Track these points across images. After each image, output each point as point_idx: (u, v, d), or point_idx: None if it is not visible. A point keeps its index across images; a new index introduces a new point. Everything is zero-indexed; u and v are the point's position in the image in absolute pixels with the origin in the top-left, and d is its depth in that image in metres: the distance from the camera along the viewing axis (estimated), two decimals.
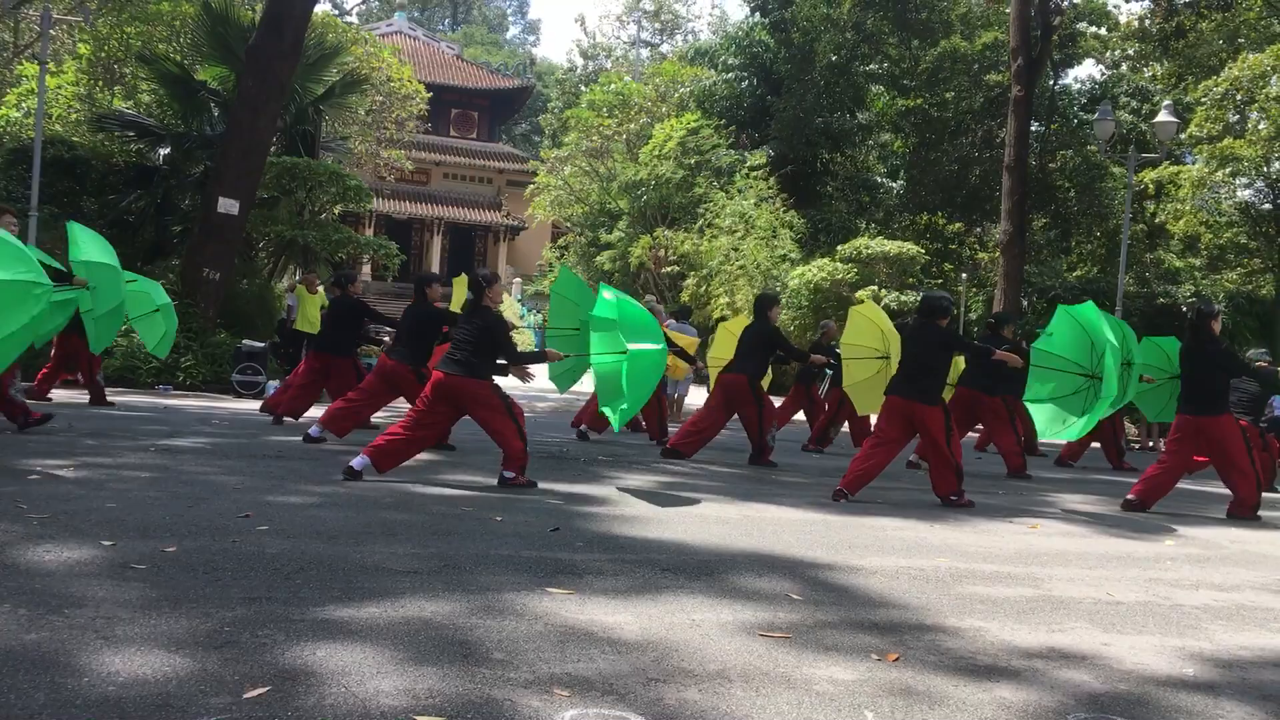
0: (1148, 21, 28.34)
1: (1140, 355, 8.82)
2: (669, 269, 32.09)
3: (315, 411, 10.27)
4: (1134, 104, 32.38)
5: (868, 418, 12.11)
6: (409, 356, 8.94)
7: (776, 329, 10.13)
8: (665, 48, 63.05)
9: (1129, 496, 8.51)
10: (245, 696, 2.76)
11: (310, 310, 18.31)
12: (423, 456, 8.77)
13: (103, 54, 23.42)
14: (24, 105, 22.72)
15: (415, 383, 8.77)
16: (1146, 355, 11.12)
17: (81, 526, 4.78)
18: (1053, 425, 8.37)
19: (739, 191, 30.98)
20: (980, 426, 12.60)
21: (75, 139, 20.88)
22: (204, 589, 3.82)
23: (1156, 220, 31.30)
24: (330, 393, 10.64)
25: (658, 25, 66.32)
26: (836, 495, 7.66)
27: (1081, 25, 32.34)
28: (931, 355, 7.94)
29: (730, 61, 37.15)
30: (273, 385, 15.04)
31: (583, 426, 11.63)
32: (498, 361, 7.47)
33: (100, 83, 23.87)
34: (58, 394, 11.70)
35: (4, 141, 21.49)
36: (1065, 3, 29.18)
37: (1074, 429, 8.22)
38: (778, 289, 26.90)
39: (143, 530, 4.80)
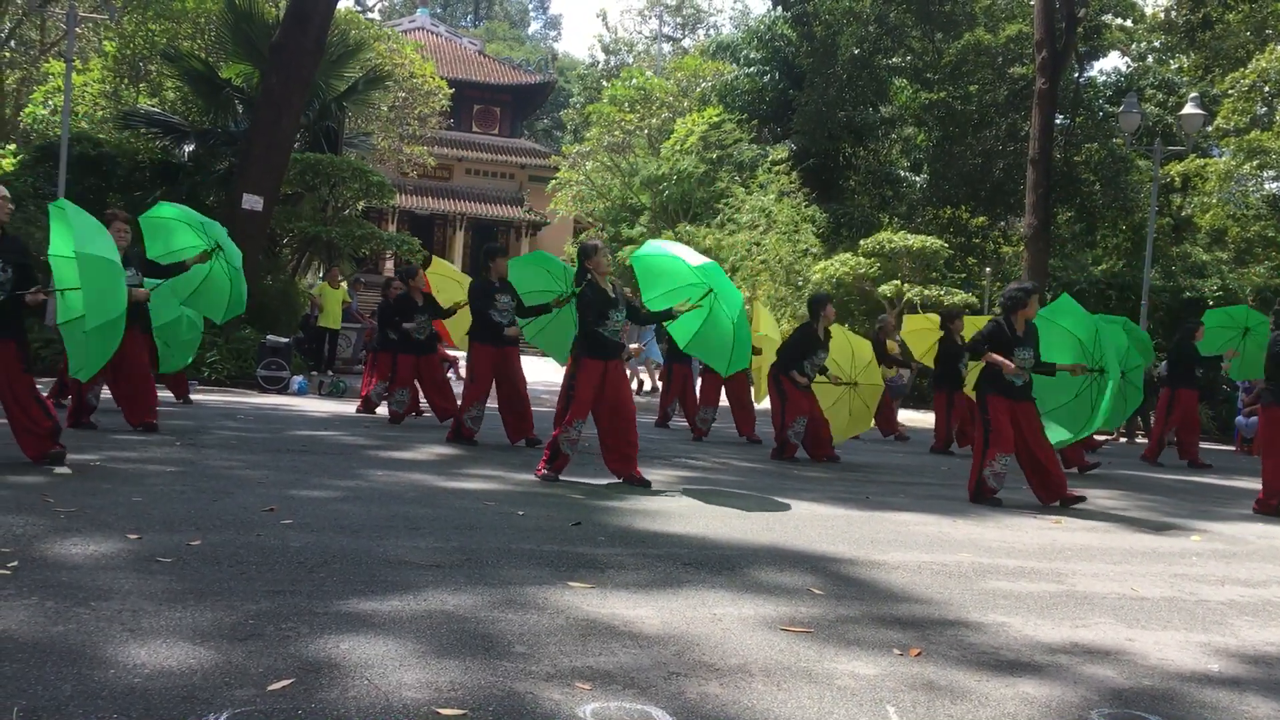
0: (1174, 13, 28.08)
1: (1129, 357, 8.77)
2: None
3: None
4: (1160, 96, 32.09)
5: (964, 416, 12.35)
6: (478, 334, 9.47)
7: (805, 328, 10.22)
8: (687, 42, 62.89)
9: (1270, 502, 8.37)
10: (269, 689, 2.78)
11: (332, 305, 18.42)
12: (445, 451, 8.82)
13: (128, 51, 23.59)
14: (51, 102, 22.95)
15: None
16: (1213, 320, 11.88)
17: (107, 520, 4.83)
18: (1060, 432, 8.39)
19: (760, 186, 30.88)
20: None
21: (101, 136, 21.06)
22: (228, 582, 3.85)
23: (1183, 213, 31.03)
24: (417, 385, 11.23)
25: (679, 20, 66.19)
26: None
27: (1106, 17, 32.07)
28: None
29: (752, 55, 37.03)
30: (297, 380, 15.14)
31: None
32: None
33: (125, 80, 24.05)
34: None
35: (31, 138, 21.73)
36: None
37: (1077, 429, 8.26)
38: (800, 284, 26.82)
39: (168, 524, 4.83)
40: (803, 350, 10.03)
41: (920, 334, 13.67)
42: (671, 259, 8.10)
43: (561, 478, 7.40)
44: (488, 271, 9.24)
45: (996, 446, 7.71)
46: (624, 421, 7.43)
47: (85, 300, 6.40)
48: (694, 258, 7.83)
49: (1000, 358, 7.74)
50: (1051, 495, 7.81)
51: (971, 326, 13.25)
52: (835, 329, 11.06)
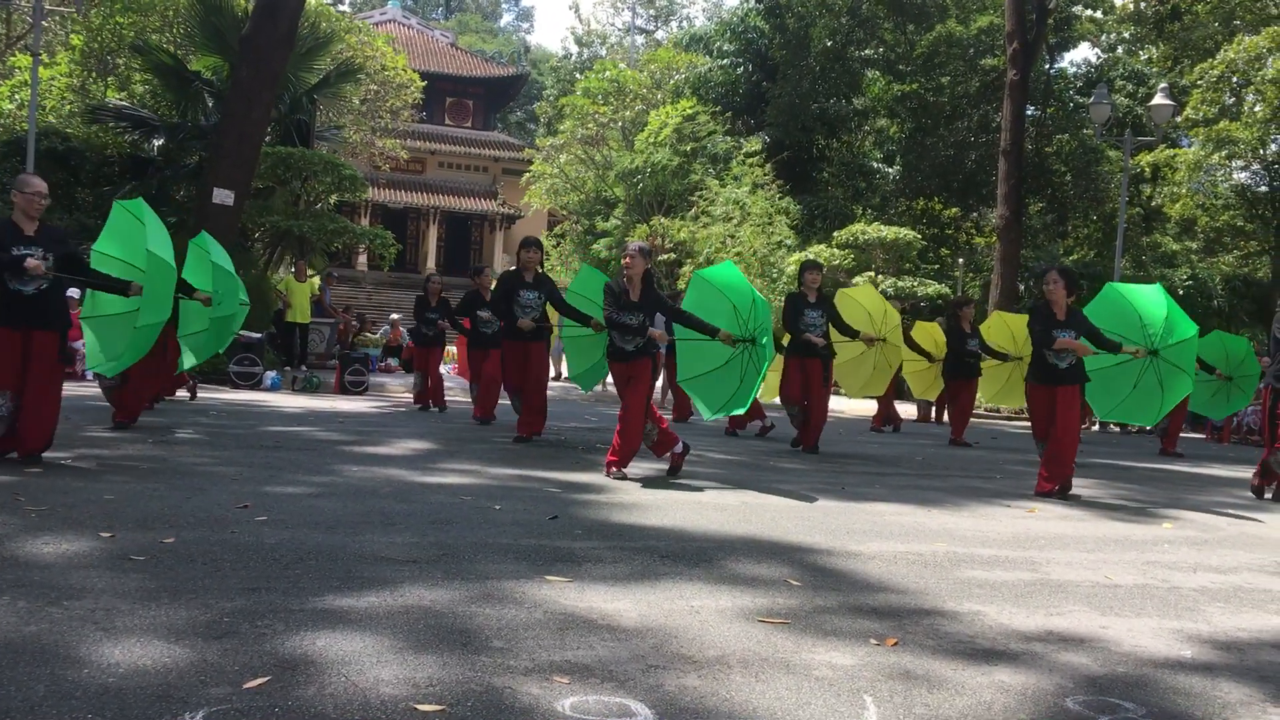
0: (1143, 4, 28.30)
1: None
2: (665, 257, 32.02)
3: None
4: (1130, 87, 32.32)
5: (967, 401, 12.58)
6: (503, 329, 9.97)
7: (791, 295, 10.34)
8: (660, 34, 62.83)
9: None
10: (245, 687, 2.76)
11: (300, 300, 18.30)
12: (419, 445, 8.79)
13: (95, 45, 23.31)
14: (17, 97, 22.65)
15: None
16: (1208, 352, 12.04)
17: (79, 518, 4.78)
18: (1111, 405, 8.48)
19: (734, 179, 30.89)
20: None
21: (69, 130, 20.81)
22: (203, 580, 3.82)
23: (1153, 203, 31.29)
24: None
25: (652, 11, 66.13)
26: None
27: (1077, 8, 32.24)
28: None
29: (725, 47, 37.02)
30: (270, 376, 15.05)
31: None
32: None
33: (93, 74, 23.77)
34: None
35: None
36: None
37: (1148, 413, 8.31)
38: (775, 276, 26.87)
39: (141, 521, 4.79)
40: (794, 314, 10.06)
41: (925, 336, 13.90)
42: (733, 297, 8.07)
43: (536, 473, 7.40)
44: (518, 263, 9.61)
45: (1035, 436, 8.03)
46: (626, 419, 7.46)
47: (145, 297, 7.11)
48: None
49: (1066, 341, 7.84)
50: (1046, 484, 7.85)
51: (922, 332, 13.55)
52: (868, 288, 11.47)
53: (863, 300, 11.74)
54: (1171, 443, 13.11)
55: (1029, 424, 8.56)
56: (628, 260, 7.56)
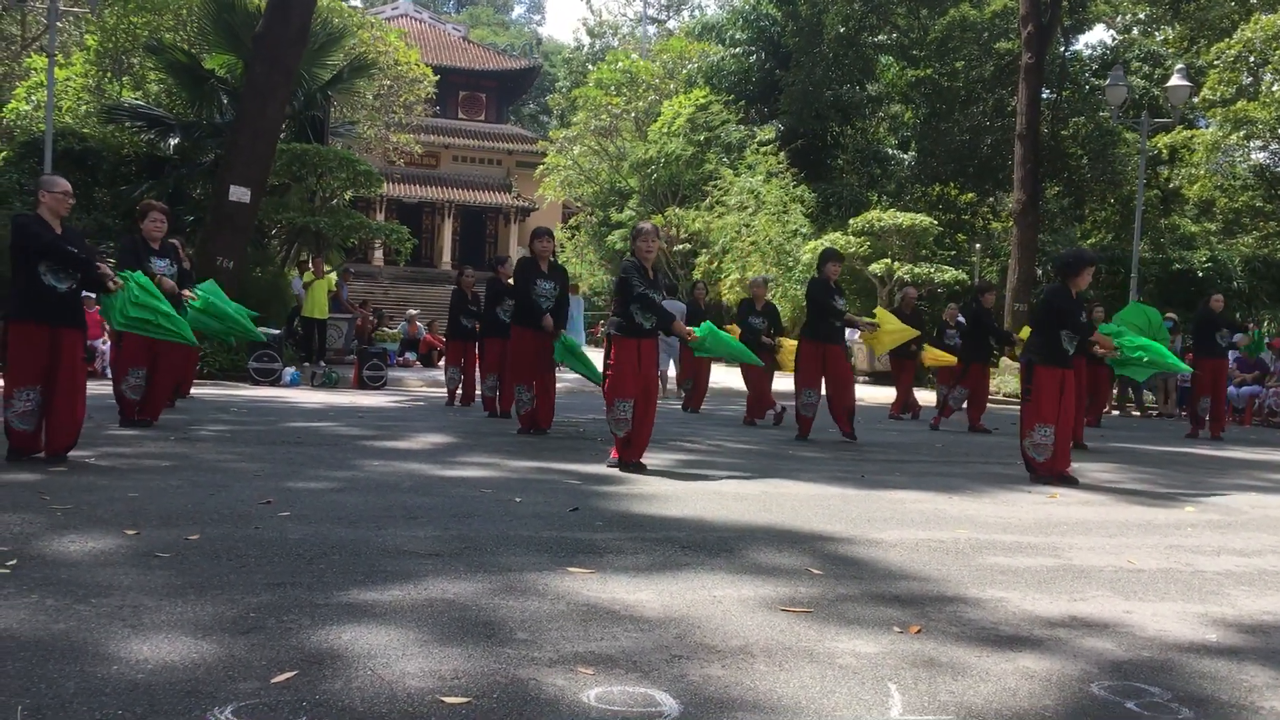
0: None
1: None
2: (680, 247, 31.98)
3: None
4: (1146, 69, 32.10)
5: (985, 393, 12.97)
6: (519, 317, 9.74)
7: (818, 281, 10.25)
8: (672, 24, 62.67)
9: None
10: (272, 681, 2.78)
11: (318, 295, 18.36)
12: (439, 440, 8.82)
13: (110, 45, 23.42)
14: (33, 98, 22.77)
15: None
16: None
17: (104, 516, 4.82)
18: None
19: (748, 168, 30.83)
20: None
21: (85, 130, 20.93)
22: (228, 575, 3.85)
23: (1170, 185, 31.06)
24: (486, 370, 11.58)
25: (664, 1, 65.94)
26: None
27: None
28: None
29: (738, 36, 36.97)
30: (289, 372, 15.11)
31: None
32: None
33: (108, 74, 23.89)
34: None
35: (15, 134, 21.57)
36: None
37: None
38: (790, 264, 26.81)
39: (165, 518, 4.83)
40: (828, 297, 10.09)
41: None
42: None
43: (555, 465, 7.41)
44: (532, 253, 9.39)
45: (1036, 417, 7.71)
46: (645, 405, 7.42)
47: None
48: None
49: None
50: (1053, 468, 7.80)
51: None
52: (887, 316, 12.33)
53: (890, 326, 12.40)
54: (1218, 426, 13.20)
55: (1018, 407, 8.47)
56: (649, 244, 7.55)
